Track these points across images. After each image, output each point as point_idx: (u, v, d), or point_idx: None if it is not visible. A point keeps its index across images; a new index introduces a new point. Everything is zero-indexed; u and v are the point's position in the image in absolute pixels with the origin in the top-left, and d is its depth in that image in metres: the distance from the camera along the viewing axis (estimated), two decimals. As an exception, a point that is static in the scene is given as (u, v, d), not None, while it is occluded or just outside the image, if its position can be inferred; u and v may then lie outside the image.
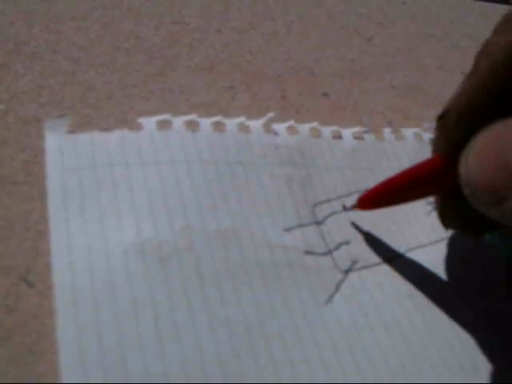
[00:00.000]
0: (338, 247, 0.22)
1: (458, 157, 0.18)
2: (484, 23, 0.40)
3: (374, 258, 0.23)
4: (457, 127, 0.18)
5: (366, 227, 0.23)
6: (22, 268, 0.19)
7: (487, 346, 0.21)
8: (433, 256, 0.24)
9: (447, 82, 0.33)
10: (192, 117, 0.24)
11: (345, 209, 0.24)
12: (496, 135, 0.16)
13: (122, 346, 0.17)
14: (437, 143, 0.20)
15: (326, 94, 0.29)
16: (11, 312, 0.18)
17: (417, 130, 0.29)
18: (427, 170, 0.20)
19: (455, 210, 0.20)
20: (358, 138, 0.27)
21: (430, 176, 0.20)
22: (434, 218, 0.25)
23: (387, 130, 0.28)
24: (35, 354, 0.17)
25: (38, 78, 0.25)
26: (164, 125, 0.24)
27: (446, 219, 0.22)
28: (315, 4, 0.37)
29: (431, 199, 0.25)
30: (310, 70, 0.31)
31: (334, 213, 0.23)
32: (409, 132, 0.29)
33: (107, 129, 0.23)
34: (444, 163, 0.19)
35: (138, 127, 0.23)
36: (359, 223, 0.23)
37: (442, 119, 0.19)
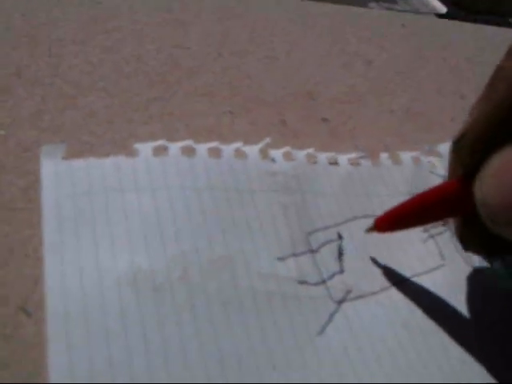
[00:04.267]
0: (331, 276, 0.22)
1: (474, 180, 0.18)
2: (483, 47, 0.40)
3: (368, 287, 0.23)
4: (472, 152, 0.18)
5: (361, 255, 0.24)
6: (20, 297, 0.19)
7: (482, 377, 0.21)
8: (428, 285, 0.24)
9: (446, 105, 0.33)
10: (188, 142, 0.25)
11: (339, 238, 0.24)
12: (511, 157, 0.16)
13: (113, 375, 0.17)
14: (453, 167, 0.20)
15: (325, 120, 0.30)
16: (9, 341, 0.18)
17: (415, 153, 0.29)
18: (445, 193, 0.20)
19: (475, 233, 0.20)
20: (354, 163, 0.27)
21: (447, 199, 0.20)
22: (430, 246, 0.25)
23: (384, 155, 0.28)
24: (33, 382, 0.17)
25: (39, 102, 0.25)
26: (160, 151, 0.24)
27: (466, 242, 0.22)
28: (315, 28, 0.37)
29: (428, 226, 0.25)
30: (310, 95, 0.31)
31: (328, 241, 0.24)
32: (407, 156, 0.29)
33: (107, 154, 0.23)
34: (460, 187, 0.19)
35: (135, 153, 0.24)
36: (352, 252, 0.24)
37: (458, 143, 0.19)
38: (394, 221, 0.22)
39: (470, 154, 0.18)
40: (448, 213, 0.21)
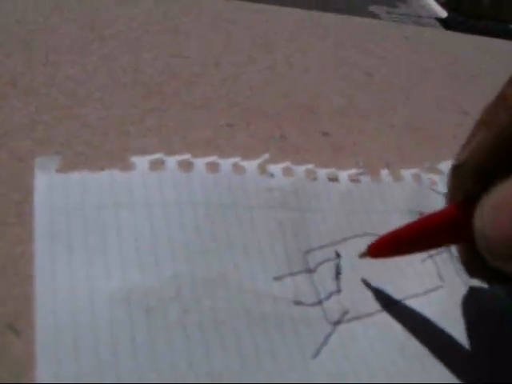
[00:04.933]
0: (328, 297, 0.22)
1: (474, 206, 0.17)
2: (487, 60, 0.40)
3: (365, 308, 0.22)
4: (474, 179, 0.18)
5: (359, 275, 0.23)
6: (9, 315, 0.18)
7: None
8: (426, 306, 0.23)
9: (448, 121, 0.33)
10: (186, 156, 0.24)
11: (337, 256, 0.23)
12: (510, 191, 0.16)
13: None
14: (452, 192, 0.20)
15: (325, 134, 0.29)
16: (-3, 361, 0.17)
17: (415, 170, 0.29)
18: (442, 220, 0.20)
19: (480, 261, 0.19)
20: (354, 180, 0.27)
21: (445, 225, 0.20)
22: (428, 265, 0.25)
23: (384, 172, 0.28)
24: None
25: (33, 112, 0.25)
26: (157, 164, 0.24)
27: (471, 269, 0.21)
28: (315, 39, 0.36)
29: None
30: (310, 108, 0.30)
31: (326, 260, 0.23)
32: (407, 173, 0.28)
33: (102, 167, 0.23)
34: (459, 213, 0.19)
35: (131, 166, 0.23)
36: (350, 271, 0.23)
37: (458, 169, 0.19)
38: (387, 247, 0.22)
39: (473, 181, 0.18)
40: (446, 240, 0.21)
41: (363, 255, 0.23)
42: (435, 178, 0.28)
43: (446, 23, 0.52)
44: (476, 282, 0.24)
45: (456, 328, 0.23)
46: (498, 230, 0.16)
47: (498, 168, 0.17)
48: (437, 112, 0.34)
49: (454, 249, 0.25)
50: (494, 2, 0.52)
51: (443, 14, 0.54)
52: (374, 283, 0.23)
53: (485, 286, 0.25)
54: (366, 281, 0.23)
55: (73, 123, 0.25)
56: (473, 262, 0.21)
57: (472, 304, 0.24)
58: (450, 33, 0.42)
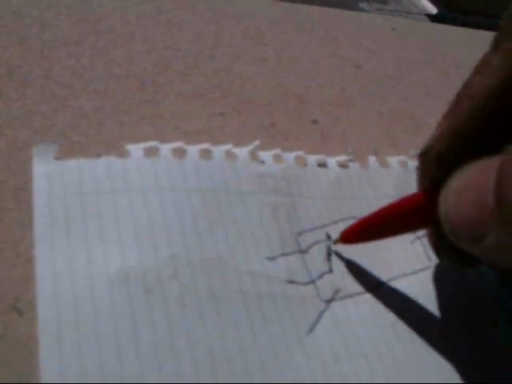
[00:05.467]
0: (320, 276, 0.23)
1: (439, 194, 0.18)
2: (473, 50, 0.40)
3: (356, 287, 0.23)
4: (438, 165, 0.19)
5: (349, 255, 0.24)
6: (12, 296, 0.19)
7: (469, 379, 0.22)
8: (416, 285, 0.24)
9: (434, 109, 0.34)
10: (179, 144, 0.25)
11: (328, 239, 0.24)
12: (472, 175, 0.17)
13: (104, 375, 0.18)
14: (419, 179, 0.21)
15: (315, 122, 0.30)
16: (0, 340, 0.18)
17: (402, 157, 0.29)
18: (410, 206, 0.21)
19: (448, 244, 0.20)
20: (342, 166, 0.27)
21: (413, 211, 0.20)
22: (417, 247, 0.26)
23: (372, 158, 0.29)
24: (24, 382, 0.17)
25: (30, 103, 0.25)
26: (151, 152, 0.24)
27: (440, 253, 0.22)
28: (306, 31, 0.37)
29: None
30: (300, 97, 0.31)
31: (317, 242, 0.24)
32: (394, 160, 0.29)
33: (97, 155, 0.23)
34: (426, 199, 0.20)
35: (126, 154, 0.24)
36: (342, 251, 0.24)
37: (423, 156, 0.20)
38: (359, 234, 0.23)
39: (436, 167, 0.19)
40: (414, 225, 0.21)
41: (337, 241, 0.23)
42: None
43: (436, 19, 0.53)
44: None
45: (443, 306, 0.24)
46: (460, 213, 0.17)
47: (461, 154, 0.18)
48: (424, 101, 0.35)
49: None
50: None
51: (433, 10, 0.55)
52: (364, 263, 0.24)
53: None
54: (351, 263, 0.24)
55: (69, 114, 0.25)
56: (441, 246, 0.22)
57: (459, 282, 0.25)
58: (436, 25, 0.43)
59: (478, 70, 0.18)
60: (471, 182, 0.17)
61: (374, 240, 0.23)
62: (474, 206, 0.16)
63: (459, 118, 0.18)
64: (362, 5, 0.47)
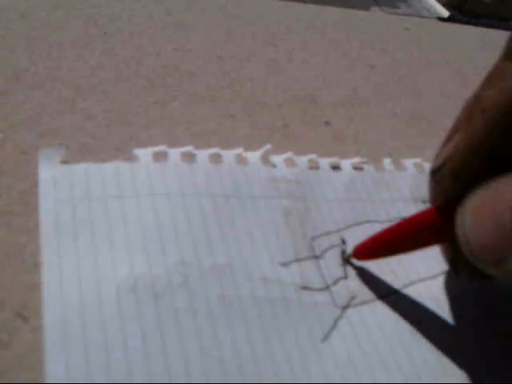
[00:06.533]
0: (336, 282, 0.22)
1: (456, 208, 0.17)
2: (487, 50, 0.40)
3: (372, 293, 0.22)
4: (453, 183, 0.18)
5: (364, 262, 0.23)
6: (17, 302, 0.18)
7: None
8: (434, 290, 0.23)
9: (449, 110, 0.33)
10: (188, 148, 0.24)
11: (343, 243, 0.23)
12: (490, 196, 0.16)
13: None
14: (433, 195, 0.20)
15: (327, 123, 0.29)
16: (6, 348, 0.17)
17: (418, 160, 0.29)
18: (424, 221, 0.20)
19: (465, 259, 0.19)
20: (357, 168, 0.27)
21: (427, 227, 0.20)
22: (434, 250, 0.25)
23: (387, 161, 0.28)
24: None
25: (37, 106, 0.25)
26: (160, 156, 0.24)
27: (457, 268, 0.21)
28: (317, 31, 0.37)
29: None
30: (312, 99, 0.31)
31: (332, 246, 0.23)
32: (409, 162, 0.28)
33: (106, 158, 0.23)
34: (442, 214, 0.19)
35: (134, 158, 0.23)
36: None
37: (437, 172, 0.19)
38: (371, 250, 0.22)
39: (451, 186, 0.18)
40: (429, 242, 0.20)
41: (349, 257, 0.23)
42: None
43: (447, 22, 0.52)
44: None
45: (465, 311, 0.23)
46: (478, 237, 0.16)
47: (477, 170, 0.17)
48: (439, 101, 0.34)
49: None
50: (497, 0, 0.53)
51: (445, 13, 0.54)
52: (382, 268, 0.23)
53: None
54: (365, 271, 0.23)
55: (77, 116, 0.25)
56: (458, 261, 0.21)
57: (481, 288, 0.24)
58: (449, 24, 0.42)
59: (491, 81, 0.17)
60: (488, 204, 0.16)
61: (387, 256, 0.22)
62: (493, 228, 0.15)
63: (473, 133, 0.17)
64: (373, 10, 0.46)
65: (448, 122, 0.32)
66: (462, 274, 0.21)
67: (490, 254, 0.16)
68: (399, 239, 0.21)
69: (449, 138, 0.19)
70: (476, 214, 0.16)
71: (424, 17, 0.49)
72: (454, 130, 0.18)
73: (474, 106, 0.17)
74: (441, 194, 0.19)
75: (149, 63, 0.29)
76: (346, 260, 0.23)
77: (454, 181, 0.18)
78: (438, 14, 0.53)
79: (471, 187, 0.17)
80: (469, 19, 0.52)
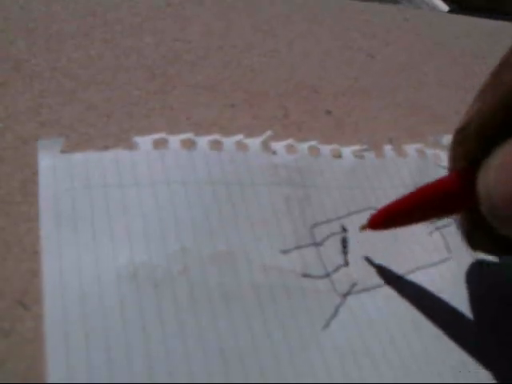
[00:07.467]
0: (336, 269, 0.22)
1: (477, 171, 0.17)
2: (487, 40, 0.39)
3: (373, 280, 0.22)
4: (477, 141, 0.18)
5: (365, 248, 0.23)
6: (18, 290, 0.18)
7: (491, 374, 0.21)
8: (436, 278, 0.23)
9: (449, 98, 0.33)
10: (189, 135, 0.24)
11: (343, 231, 0.23)
12: None
13: (111, 372, 0.17)
14: (454, 158, 0.20)
15: (328, 112, 0.29)
16: (7, 335, 0.17)
17: (419, 145, 0.29)
18: (444, 187, 0.19)
19: (484, 232, 0.19)
20: (358, 156, 0.27)
21: (447, 193, 0.19)
22: (436, 238, 0.25)
23: (388, 147, 0.28)
24: (30, 379, 0.17)
25: (38, 96, 0.25)
26: (160, 143, 0.24)
27: (473, 241, 0.21)
28: (317, 22, 0.36)
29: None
30: (313, 88, 0.30)
31: (332, 234, 0.23)
32: (411, 148, 0.28)
33: (106, 148, 0.23)
34: (462, 180, 0.18)
35: (134, 145, 0.23)
36: (358, 243, 0.23)
37: (461, 132, 0.19)
38: (388, 219, 0.21)
39: (475, 144, 0.18)
40: (448, 209, 0.20)
41: (364, 227, 0.22)
42: (439, 153, 0.28)
43: (447, 17, 0.52)
44: (484, 255, 0.24)
45: (464, 299, 0.23)
46: (501, 190, 0.16)
47: (502, 129, 0.17)
48: (438, 90, 0.34)
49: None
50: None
51: (445, 8, 0.54)
52: (381, 256, 0.23)
53: (493, 258, 0.25)
54: (369, 258, 0.23)
55: (77, 106, 0.25)
56: (475, 233, 0.21)
57: (480, 275, 0.24)
58: (448, 14, 0.42)
59: None
60: None
61: (402, 226, 0.21)
62: None
63: (503, 91, 0.17)
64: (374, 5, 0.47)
65: (447, 110, 0.32)
66: (478, 248, 0.21)
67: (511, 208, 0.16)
68: (417, 206, 0.20)
69: (474, 103, 0.18)
70: (499, 168, 0.16)
71: (424, 10, 0.49)
72: (478, 96, 0.18)
73: (501, 66, 0.18)
74: (463, 157, 0.19)
75: (149, 53, 0.29)
76: (362, 227, 0.22)
77: (480, 139, 0.18)
78: (437, 8, 0.53)
79: (495, 146, 0.16)
80: (468, 13, 0.52)
